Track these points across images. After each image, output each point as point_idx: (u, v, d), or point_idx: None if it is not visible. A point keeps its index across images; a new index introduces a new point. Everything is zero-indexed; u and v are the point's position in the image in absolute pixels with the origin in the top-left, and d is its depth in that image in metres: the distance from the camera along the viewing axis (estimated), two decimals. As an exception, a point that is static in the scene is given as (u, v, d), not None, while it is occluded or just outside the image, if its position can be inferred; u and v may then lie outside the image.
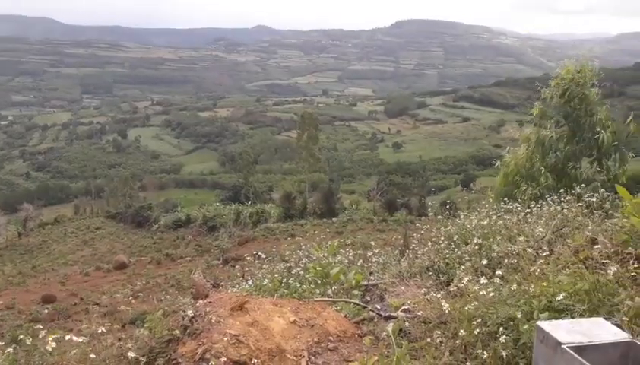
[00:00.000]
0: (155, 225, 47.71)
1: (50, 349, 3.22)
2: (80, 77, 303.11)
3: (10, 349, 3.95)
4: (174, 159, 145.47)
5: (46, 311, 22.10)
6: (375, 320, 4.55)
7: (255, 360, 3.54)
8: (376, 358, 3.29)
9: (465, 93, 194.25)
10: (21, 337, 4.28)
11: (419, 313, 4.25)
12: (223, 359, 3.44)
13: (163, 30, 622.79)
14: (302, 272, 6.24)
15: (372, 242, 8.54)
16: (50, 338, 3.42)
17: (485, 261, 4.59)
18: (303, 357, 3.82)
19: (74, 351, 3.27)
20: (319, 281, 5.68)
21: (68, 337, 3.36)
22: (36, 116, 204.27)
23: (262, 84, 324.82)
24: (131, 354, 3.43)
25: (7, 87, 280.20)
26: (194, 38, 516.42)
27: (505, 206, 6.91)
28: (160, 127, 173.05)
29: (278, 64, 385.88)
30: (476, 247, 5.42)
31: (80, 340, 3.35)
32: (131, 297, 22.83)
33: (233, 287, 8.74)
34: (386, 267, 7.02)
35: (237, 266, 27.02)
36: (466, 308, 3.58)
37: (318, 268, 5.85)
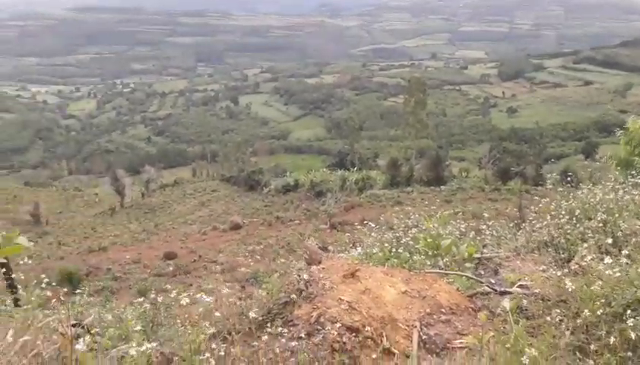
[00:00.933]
0: (266, 189, 49.59)
1: (184, 303, 3.51)
2: (194, 46, 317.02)
3: (146, 304, 4.33)
4: (282, 125, 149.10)
5: (171, 268, 23.90)
6: (490, 295, 4.48)
7: (368, 328, 3.64)
8: (492, 334, 3.25)
9: (587, 54, 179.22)
10: (152, 294, 4.69)
11: (536, 290, 4.13)
12: (338, 324, 3.56)
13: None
14: (411, 242, 6.24)
15: (485, 213, 8.30)
16: (183, 294, 3.72)
17: (610, 240, 4.33)
18: (415, 327, 3.86)
19: (200, 309, 3.54)
20: (430, 253, 5.66)
21: (198, 295, 3.63)
22: (155, 84, 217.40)
23: (368, 48, 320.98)
24: (252, 314, 3.65)
25: (127, 56, 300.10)
26: (300, 4, 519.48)
27: (633, 180, 6.42)
28: (268, 94, 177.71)
29: (384, 27, 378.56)
30: (601, 224, 5.11)
31: (209, 299, 3.61)
32: (245, 257, 24.10)
33: (341, 253, 8.91)
34: (500, 240, 6.83)
35: (344, 232, 27.53)
36: (591, 288, 3.42)
37: (428, 239, 5.82)
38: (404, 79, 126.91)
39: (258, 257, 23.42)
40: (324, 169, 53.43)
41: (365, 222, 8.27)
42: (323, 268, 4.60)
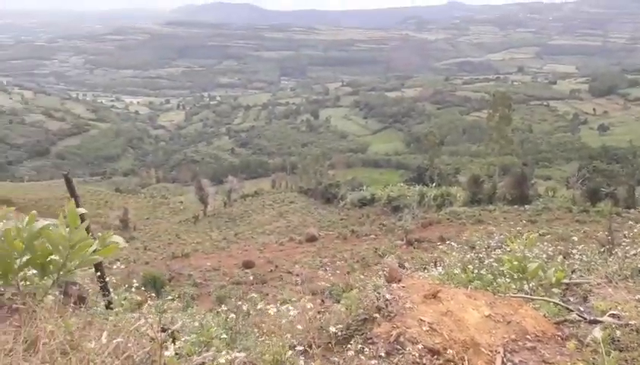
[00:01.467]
0: (342, 202, 49.71)
1: (272, 313, 3.58)
2: (278, 60, 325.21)
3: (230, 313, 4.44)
4: (361, 139, 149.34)
5: (251, 277, 24.42)
6: (579, 323, 4.25)
7: (450, 351, 3.55)
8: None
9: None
10: (236, 302, 4.80)
11: (631, 321, 3.87)
12: (419, 345, 3.50)
13: (355, 11, 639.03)
14: (495, 264, 6.04)
15: (574, 236, 7.90)
16: (263, 303, 3.80)
17: None
18: (498, 352, 3.73)
19: (284, 320, 3.60)
20: (515, 276, 5.46)
21: (284, 307, 3.70)
22: (240, 97, 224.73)
23: (452, 62, 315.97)
24: (331, 329, 3.67)
25: (214, 70, 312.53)
26: (385, 18, 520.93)
27: None
28: (348, 107, 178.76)
29: (470, 41, 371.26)
30: None
31: (293, 311, 3.67)
32: (320, 269, 24.22)
33: (419, 270, 8.75)
34: (590, 265, 6.47)
35: (422, 249, 27.05)
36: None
37: (514, 262, 5.62)
38: (489, 93, 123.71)
39: (334, 270, 23.45)
40: (402, 184, 52.89)
41: (444, 240, 8.09)
42: (403, 287, 4.54)
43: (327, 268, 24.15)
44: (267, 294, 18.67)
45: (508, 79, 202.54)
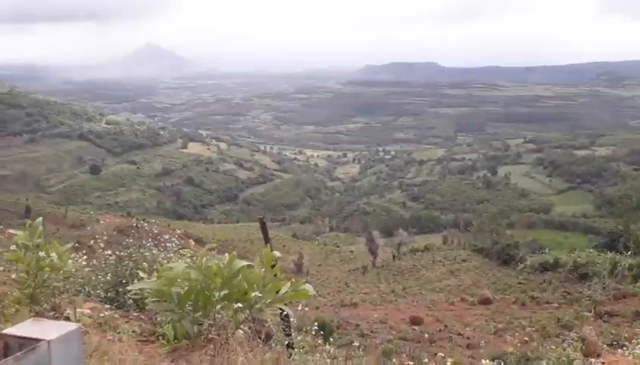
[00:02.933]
0: (520, 265, 46.34)
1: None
2: (455, 116, 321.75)
3: None
4: (544, 198, 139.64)
5: (422, 334, 23.60)
6: None
7: None
8: None
9: None
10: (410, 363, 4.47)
11: None
12: None
13: (541, 68, 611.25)
14: None
15: None
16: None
17: None
18: None
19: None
20: None
21: None
22: (414, 152, 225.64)
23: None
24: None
25: (391, 126, 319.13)
26: (574, 73, 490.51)
27: None
28: (530, 165, 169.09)
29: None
30: None
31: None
32: (493, 334, 22.51)
33: (612, 347, 7.55)
34: None
35: (614, 324, 23.83)
36: None
37: None
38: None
39: (504, 334, 21.65)
40: (591, 250, 47.72)
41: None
42: (602, 363, 3.85)
43: (503, 335, 22.32)
44: (435, 354, 17.71)
45: None
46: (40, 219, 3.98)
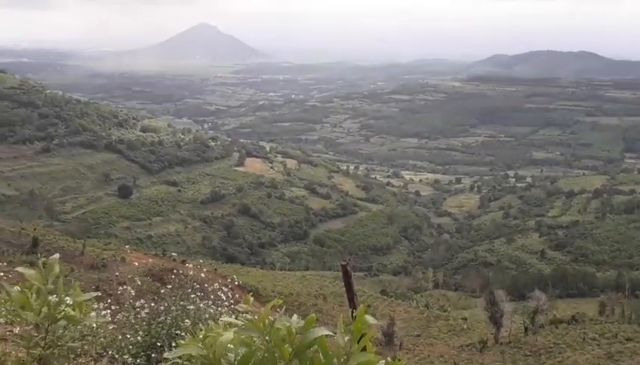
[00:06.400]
0: None
1: None
2: (622, 129, 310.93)
3: None
4: None
5: None
6: None
7: None
8: None
9: None
10: None
11: None
12: None
13: None
14: None
15: None
16: None
17: None
18: None
19: None
20: None
21: None
22: (561, 179, 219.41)
23: None
24: None
25: (527, 140, 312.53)
26: None
27: None
28: None
29: None
30: None
31: None
32: None
33: None
34: None
35: None
36: None
37: None
38: None
39: None
40: None
41: None
42: None
43: None
44: None
45: None
46: (57, 256, 4.04)
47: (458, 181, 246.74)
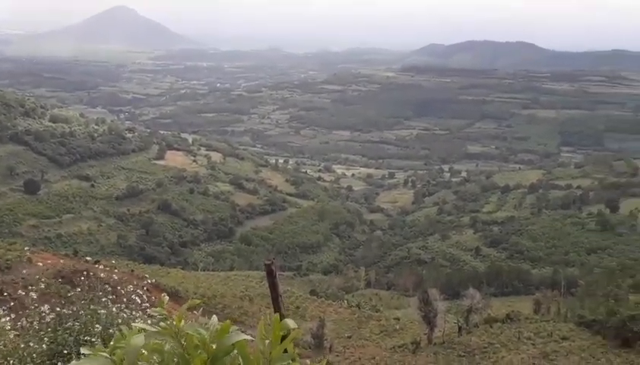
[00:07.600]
0: (651, 347, 45.72)
1: None
2: (559, 122, 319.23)
3: None
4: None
5: None
6: None
7: None
8: None
9: None
10: None
11: None
12: None
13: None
14: None
15: None
16: None
17: None
18: None
19: None
20: None
21: None
22: (496, 174, 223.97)
23: None
24: None
25: (463, 134, 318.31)
26: None
27: None
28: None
29: None
30: None
31: None
32: None
33: None
34: None
35: None
36: None
37: None
38: None
39: None
40: None
41: None
42: None
43: None
44: None
45: None
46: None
47: (392, 175, 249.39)
